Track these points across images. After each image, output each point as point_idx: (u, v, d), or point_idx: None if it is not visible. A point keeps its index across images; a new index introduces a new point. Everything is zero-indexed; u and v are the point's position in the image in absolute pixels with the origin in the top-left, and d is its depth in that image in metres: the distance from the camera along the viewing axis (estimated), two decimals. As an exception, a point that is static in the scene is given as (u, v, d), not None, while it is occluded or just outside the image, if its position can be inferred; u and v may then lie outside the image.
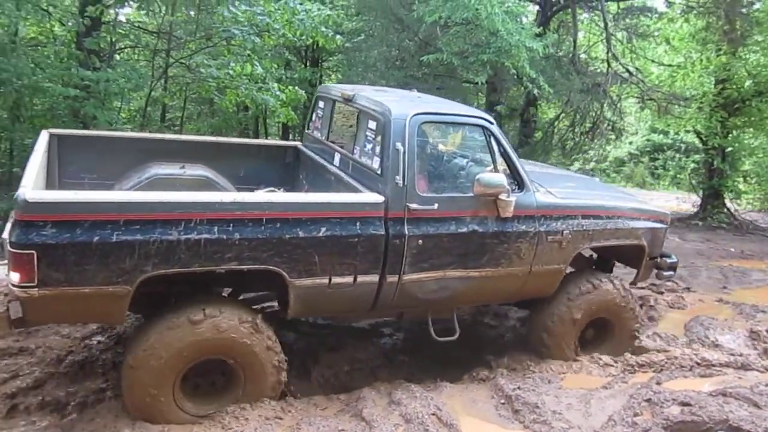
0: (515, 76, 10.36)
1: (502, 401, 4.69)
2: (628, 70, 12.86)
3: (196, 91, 10.91)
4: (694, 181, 15.81)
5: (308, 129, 6.00)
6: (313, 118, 5.92)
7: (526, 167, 5.67)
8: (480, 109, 5.77)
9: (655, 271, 5.80)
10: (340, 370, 5.18)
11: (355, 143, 4.88)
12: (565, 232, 4.91)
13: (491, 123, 4.71)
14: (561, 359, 5.29)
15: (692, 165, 19.79)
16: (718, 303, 7.46)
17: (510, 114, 13.20)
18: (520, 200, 4.62)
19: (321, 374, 5.08)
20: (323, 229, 3.99)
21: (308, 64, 15.95)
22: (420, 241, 4.28)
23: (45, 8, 9.28)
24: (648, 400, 4.67)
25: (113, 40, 9.71)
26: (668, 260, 5.76)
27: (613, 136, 13.94)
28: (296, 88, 9.62)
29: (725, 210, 13.69)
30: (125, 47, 10.97)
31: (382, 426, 4.14)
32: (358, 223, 4.11)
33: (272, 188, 5.35)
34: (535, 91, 10.36)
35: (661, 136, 23.49)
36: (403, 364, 5.44)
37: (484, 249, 4.58)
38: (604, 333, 5.57)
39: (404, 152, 4.24)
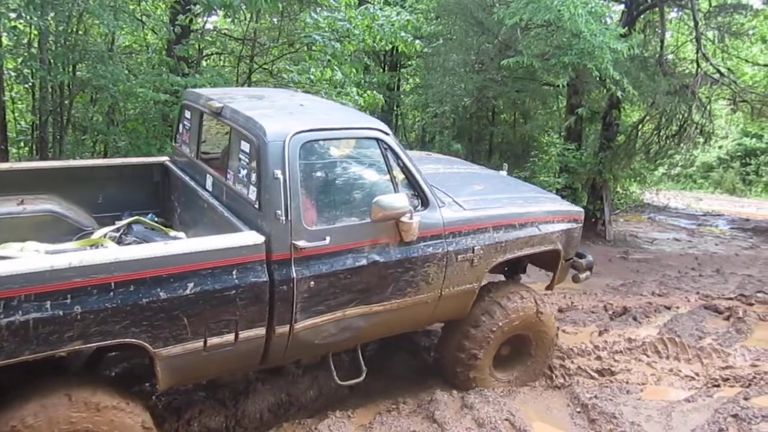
0: (598, 78, 10.09)
1: (578, 410, 4.63)
2: (719, 71, 12.31)
3: (278, 96, 11.21)
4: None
5: (176, 142, 5.12)
6: (180, 129, 5.04)
7: (429, 165, 5.29)
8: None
9: (572, 272, 5.36)
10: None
11: (228, 166, 4.16)
12: (476, 248, 4.40)
13: (387, 133, 4.09)
14: (475, 382, 4.80)
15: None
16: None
17: (591, 117, 12.90)
18: (424, 220, 4.09)
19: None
20: (191, 286, 3.26)
21: (387, 68, 16.10)
22: (312, 283, 3.68)
23: (139, 18, 9.80)
24: (735, 416, 4.50)
25: (201, 47, 10.12)
26: (584, 261, 5.34)
27: (701, 140, 13.38)
28: (374, 92, 9.73)
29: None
30: (212, 54, 11.40)
31: (453, 429, 4.17)
32: (234, 272, 3.40)
33: (137, 214, 4.69)
34: (619, 94, 10.07)
35: (755, 140, 22.48)
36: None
37: (388, 280, 4.01)
38: (521, 350, 5.09)
39: (285, 180, 3.58)
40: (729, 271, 9.62)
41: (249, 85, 10.50)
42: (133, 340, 3.17)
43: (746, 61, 14.24)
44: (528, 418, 4.45)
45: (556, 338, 5.23)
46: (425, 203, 4.19)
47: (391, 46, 9.95)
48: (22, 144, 10.46)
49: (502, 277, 5.31)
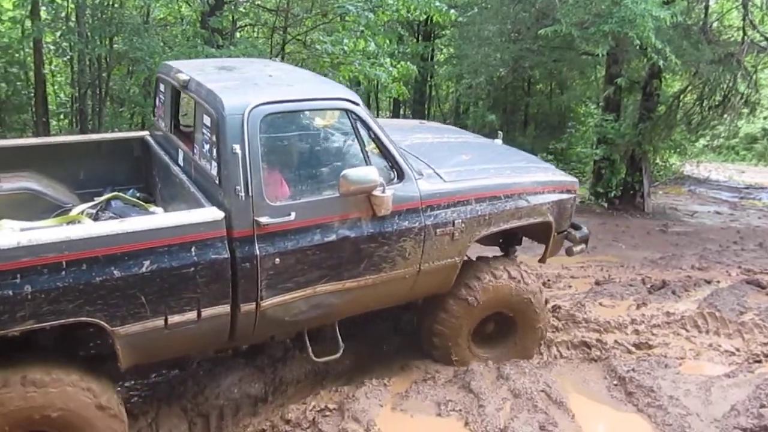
0: (639, 47, 9.84)
1: (615, 382, 4.59)
2: (766, 38, 11.88)
3: (312, 67, 11.21)
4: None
5: (154, 116, 5.01)
6: (157, 103, 4.94)
7: (418, 135, 5.19)
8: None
9: (566, 245, 5.11)
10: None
11: (194, 141, 4.04)
12: (456, 221, 4.19)
13: (356, 104, 3.88)
14: (451, 359, 4.66)
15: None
16: None
17: (631, 87, 12.59)
18: (399, 193, 3.90)
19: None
20: (146, 263, 3.20)
21: (421, 38, 15.94)
22: (277, 259, 3.57)
23: (174, -10, 9.86)
24: (777, 392, 4.40)
25: (235, 18, 10.14)
26: (578, 233, 5.07)
27: (745, 111, 12.96)
28: (408, 63, 9.66)
29: None
30: (245, 25, 11.43)
31: (489, 399, 4.17)
32: (193, 249, 3.32)
33: (119, 190, 4.59)
34: (661, 63, 9.81)
35: (802, 110, 21.65)
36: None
37: (361, 255, 3.87)
38: (507, 329, 4.86)
39: (245, 155, 3.44)
40: (772, 245, 9.38)
41: (282, 57, 10.49)
42: (89, 318, 3.14)
43: (795, 28, 13.68)
44: (564, 390, 4.43)
45: (545, 312, 4.94)
46: (401, 176, 4.01)
47: (425, 15, 9.85)
48: (62, 116, 10.69)
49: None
